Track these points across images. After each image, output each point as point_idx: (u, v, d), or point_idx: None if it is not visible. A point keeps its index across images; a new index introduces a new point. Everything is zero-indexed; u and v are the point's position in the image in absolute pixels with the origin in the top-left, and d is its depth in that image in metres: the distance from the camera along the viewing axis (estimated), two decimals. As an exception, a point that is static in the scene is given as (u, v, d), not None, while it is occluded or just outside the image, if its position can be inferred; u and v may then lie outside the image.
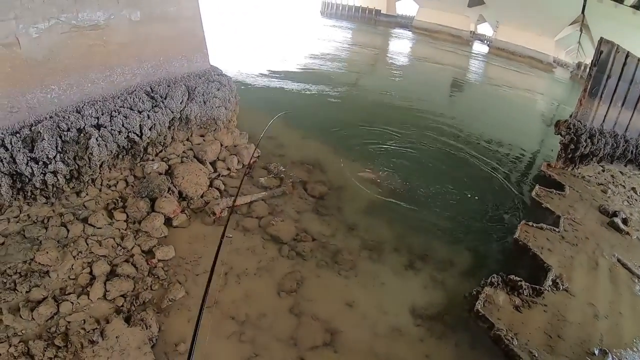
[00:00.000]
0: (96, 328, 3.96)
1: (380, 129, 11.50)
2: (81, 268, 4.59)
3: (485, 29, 55.83)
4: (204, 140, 7.68)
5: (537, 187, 8.47)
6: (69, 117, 5.29)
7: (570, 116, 9.89)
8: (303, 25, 38.25)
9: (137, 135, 6.10)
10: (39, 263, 4.41)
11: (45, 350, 3.64)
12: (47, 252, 4.45)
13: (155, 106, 6.47)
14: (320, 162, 8.69)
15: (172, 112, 6.72)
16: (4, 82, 4.71)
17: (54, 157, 5.01)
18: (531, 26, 38.90)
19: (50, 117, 5.18)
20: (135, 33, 6.36)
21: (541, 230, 6.78)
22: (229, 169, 7.41)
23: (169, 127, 6.79)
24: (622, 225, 7.60)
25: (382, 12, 55.15)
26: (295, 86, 14.79)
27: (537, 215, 7.56)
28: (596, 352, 4.67)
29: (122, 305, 4.34)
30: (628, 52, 9.78)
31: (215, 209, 6.09)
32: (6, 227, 4.73)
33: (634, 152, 11.39)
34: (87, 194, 5.63)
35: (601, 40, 9.43)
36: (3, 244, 4.54)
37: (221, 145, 7.76)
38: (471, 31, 50.85)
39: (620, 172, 11.09)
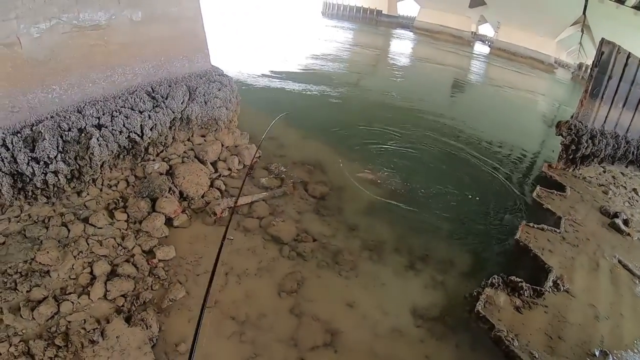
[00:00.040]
0: (96, 328, 3.96)
1: (381, 130, 11.51)
2: (82, 268, 4.59)
3: (486, 30, 55.86)
4: (205, 141, 7.68)
5: (538, 188, 8.46)
6: (70, 117, 5.29)
7: (572, 117, 9.89)
8: (304, 26, 38.26)
9: (138, 135, 6.10)
10: (40, 263, 4.41)
11: (45, 350, 3.64)
12: (48, 252, 4.46)
13: (157, 106, 6.47)
14: (321, 162, 8.69)
15: (173, 112, 6.72)
16: (5, 82, 4.72)
17: (55, 157, 5.01)
18: (532, 27, 38.88)
19: (52, 117, 5.18)
20: (136, 33, 6.36)
21: (542, 231, 6.77)
22: (229, 169, 7.42)
23: (170, 127, 6.79)
24: (623, 227, 7.59)
25: (383, 12, 55.14)
26: (297, 86, 14.79)
27: (538, 216, 7.56)
28: (597, 353, 4.66)
29: (123, 305, 4.34)
30: (629, 52, 9.77)
31: (216, 209, 6.09)
32: (7, 227, 4.74)
33: (635, 153, 11.38)
34: (88, 194, 5.63)
35: (602, 41, 9.42)
36: (4, 243, 4.54)
37: (222, 145, 7.76)
38: (472, 32, 50.84)
39: (622, 173, 11.08)
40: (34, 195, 5.06)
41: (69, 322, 3.98)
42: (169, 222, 5.78)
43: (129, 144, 6.03)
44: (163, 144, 6.79)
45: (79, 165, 5.30)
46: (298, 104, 13.03)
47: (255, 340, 4.36)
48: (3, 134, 4.71)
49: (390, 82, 19.74)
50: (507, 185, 9.61)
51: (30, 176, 4.87)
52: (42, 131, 4.89)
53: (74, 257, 4.65)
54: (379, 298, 5.30)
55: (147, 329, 4.07)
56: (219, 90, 7.76)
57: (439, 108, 15.68)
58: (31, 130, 4.91)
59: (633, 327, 5.28)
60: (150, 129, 6.28)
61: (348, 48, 28.44)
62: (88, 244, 4.88)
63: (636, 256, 6.88)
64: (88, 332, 3.90)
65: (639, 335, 5.16)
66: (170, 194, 6.06)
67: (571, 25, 35.62)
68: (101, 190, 5.81)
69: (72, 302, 4.16)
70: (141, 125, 6.12)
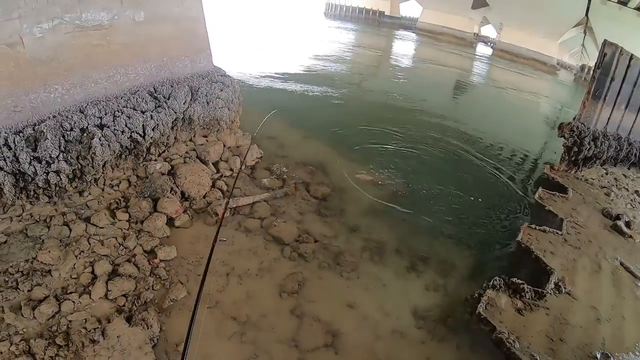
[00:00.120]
0: (97, 327, 3.97)
1: (383, 131, 11.51)
2: (83, 267, 4.60)
3: (489, 31, 55.76)
4: (206, 141, 7.68)
5: (540, 189, 8.45)
6: (72, 116, 5.30)
7: (574, 119, 9.86)
8: (306, 26, 38.28)
9: (140, 135, 6.11)
10: (41, 262, 4.42)
11: (46, 349, 3.64)
12: (50, 251, 4.47)
13: (159, 106, 6.48)
14: (323, 163, 8.69)
15: (175, 112, 6.73)
16: (7, 82, 4.73)
17: (57, 157, 5.02)
18: (535, 28, 38.78)
19: (54, 116, 5.19)
20: (138, 33, 6.37)
21: (544, 233, 6.75)
22: (231, 169, 7.41)
23: (172, 128, 6.80)
24: (625, 229, 7.58)
25: (385, 13, 55.03)
26: (299, 87, 14.79)
27: (540, 218, 7.54)
28: (598, 355, 4.65)
29: (124, 305, 4.35)
30: (632, 54, 9.75)
31: (218, 210, 6.09)
32: (9, 226, 4.75)
33: (637, 154, 11.36)
34: (89, 194, 5.64)
35: (605, 42, 9.40)
36: (6, 242, 4.55)
37: (224, 145, 7.76)
38: (475, 33, 50.70)
39: (624, 175, 11.06)
40: (35, 195, 5.07)
41: (70, 321, 3.98)
42: (170, 222, 5.79)
43: (131, 144, 6.03)
44: (165, 144, 6.80)
45: (80, 164, 5.31)
46: (300, 104, 13.04)
47: (256, 340, 4.36)
48: (5, 133, 4.72)
49: (392, 83, 19.73)
50: (509, 187, 9.59)
51: (32, 175, 4.88)
52: (44, 131, 4.90)
53: (76, 256, 4.66)
54: (379, 299, 5.30)
55: (147, 328, 4.08)
56: (221, 90, 7.77)
57: (441, 109, 15.67)
58: (33, 129, 4.92)
59: (634, 329, 5.27)
60: (152, 129, 6.28)
61: (350, 49, 28.44)
62: (89, 244, 4.89)
63: (638, 258, 6.86)
64: (89, 331, 3.91)
65: (640, 337, 5.14)
66: (172, 194, 6.06)
67: (574, 26, 35.54)
68: (103, 190, 5.82)
69: (73, 302, 4.17)
70: (143, 125, 6.13)
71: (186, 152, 7.20)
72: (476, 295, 5.32)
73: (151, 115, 6.26)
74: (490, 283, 5.37)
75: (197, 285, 4.80)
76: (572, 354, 4.59)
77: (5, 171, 4.69)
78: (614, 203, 8.96)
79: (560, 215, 7.50)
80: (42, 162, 4.92)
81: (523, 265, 6.14)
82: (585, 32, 36.30)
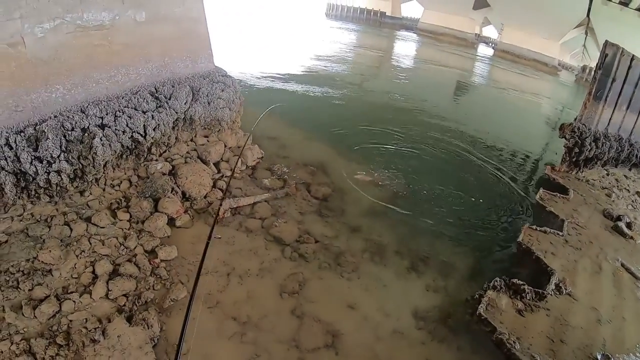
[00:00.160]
0: (98, 327, 3.97)
1: (384, 131, 11.51)
2: (84, 267, 4.60)
3: (490, 32, 55.80)
4: (207, 141, 7.69)
5: (541, 190, 8.45)
6: (73, 116, 5.30)
7: (575, 119, 9.86)
8: (308, 27, 38.29)
9: (141, 135, 6.11)
10: (42, 262, 4.42)
11: (46, 349, 3.64)
12: (50, 251, 4.47)
13: (160, 106, 6.48)
14: (324, 163, 8.69)
15: (176, 112, 6.74)
16: (9, 81, 4.73)
17: (58, 157, 5.02)
18: (536, 29, 38.77)
19: (55, 116, 5.20)
20: (140, 33, 6.38)
21: (545, 233, 6.75)
22: (232, 169, 7.41)
23: (173, 128, 6.80)
24: (626, 230, 7.57)
25: (387, 14, 55.04)
26: (300, 87, 14.80)
27: (541, 219, 7.54)
28: (599, 357, 4.64)
29: (124, 305, 4.35)
30: (633, 55, 9.75)
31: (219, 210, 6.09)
32: (10, 226, 4.76)
33: (638, 155, 11.35)
34: (90, 194, 5.64)
35: (606, 43, 9.40)
36: (7, 242, 4.55)
37: (225, 146, 7.77)
38: (476, 34, 50.72)
39: (625, 176, 11.05)
40: (36, 194, 5.08)
41: (71, 321, 3.98)
42: (171, 222, 5.79)
43: (132, 144, 6.04)
44: (166, 144, 6.80)
45: (82, 164, 5.31)
46: (301, 105, 13.06)
47: (257, 341, 4.35)
48: (7, 133, 4.73)
49: (393, 84, 19.73)
50: (510, 188, 9.58)
51: (33, 175, 4.88)
52: (45, 130, 4.91)
53: (76, 256, 4.67)
54: (380, 300, 5.29)
55: (148, 328, 4.08)
56: (222, 90, 7.78)
57: (442, 110, 15.68)
58: (34, 129, 4.93)
59: (635, 330, 5.26)
60: (153, 129, 6.29)
61: (351, 49, 28.45)
62: (90, 244, 4.89)
63: (639, 259, 6.85)
64: (89, 331, 3.91)
65: (641, 339, 5.14)
66: (173, 194, 6.07)
67: (575, 27, 35.54)
68: (104, 190, 5.83)
69: (74, 301, 4.17)
70: (144, 125, 6.13)
71: (187, 152, 7.21)
72: (477, 296, 5.33)
73: (152, 115, 6.27)
74: (491, 284, 5.37)
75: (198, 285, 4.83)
76: (573, 355, 4.59)
77: (6, 171, 4.70)
78: (615, 204, 8.96)
79: (561, 216, 7.50)
80: (43, 162, 4.93)
81: (524, 266, 6.14)
82: (586, 33, 36.32)
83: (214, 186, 6.77)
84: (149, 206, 5.73)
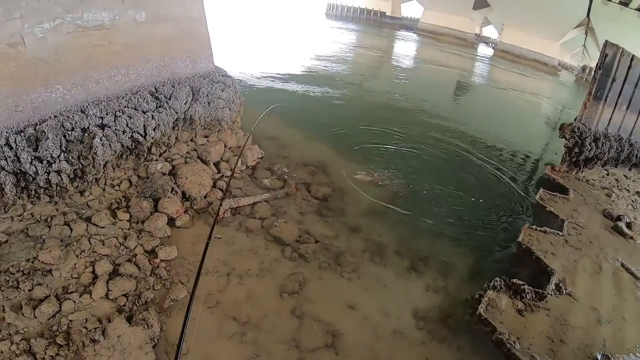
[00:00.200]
0: (98, 327, 3.97)
1: (384, 131, 11.51)
2: (84, 267, 4.60)
3: (490, 32, 55.80)
4: (207, 141, 7.69)
5: (541, 190, 8.44)
6: (73, 116, 5.30)
7: (575, 119, 9.86)
8: (308, 27, 38.29)
9: (141, 135, 6.12)
10: (42, 262, 4.42)
11: (46, 349, 3.64)
12: (50, 251, 4.47)
13: (160, 107, 6.48)
14: (324, 163, 8.69)
15: (176, 112, 6.74)
16: (9, 81, 4.73)
17: (58, 156, 5.02)
18: (536, 29, 38.78)
19: (55, 116, 5.20)
20: (140, 33, 6.38)
21: (545, 233, 6.75)
22: (232, 169, 7.41)
23: (173, 128, 6.80)
24: (626, 230, 7.57)
25: (387, 14, 55.04)
26: (300, 87, 14.80)
27: (541, 219, 7.54)
28: (599, 357, 4.64)
29: (124, 305, 4.35)
30: (633, 55, 9.74)
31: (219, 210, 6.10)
32: (10, 226, 4.76)
33: (638, 155, 11.35)
34: (90, 194, 5.64)
35: (606, 43, 9.40)
36: (7, 242, 4.55)
37: (225, 146, 7.77)
38: (476, 34, 50.73)
39: (625, 176, 11.05)
40: (36, 194, 5.08)
41: (71, 321, 3.98)
42: (171, 222, 5.79)
43: (132, 144, 6.04)
44: (166, 144, 6.80)
45: (82, 164, 5.32)
46: (301, 105, 13.06)
47: (257, 341, 4.35)
48: (7, 133, 4.73)
49: (393, 84, 19.73)
50: (510, 188, 9.58)
51: (33, 175, 4.88)
52: (45, 130, 4.91)
53: (76, 256, 4.67)
54: (380, 300, 5.29)
55: (148, 328, 4.08)
56: (222, 91, 7.78)
57: (442, 110, 15.68)
58: (34, 129, 4.93)
59: (635, 330, 5.26)
60: (154, 129, 6.29)
61: (351, 49, 28.45)
62: (90, 244, 4.89)
63: (639, 259, 6.85)
64: (89, 331, 3.91)
65: (641, 339, 5.14)
66: (173, 194, 6.07)
67: (575, 27, 35.55)
68: (104, 190, 5.83)
69: (74, 301, 4.17)
70: (144, 125, 6.14)
71: (187, 152, 7.21)
72: (477, 296, 5.33)
73: (152, 115, 6.27)
74: (491, 284, 5.37)
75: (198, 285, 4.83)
76: (573, 355, 4.59)
77: (6, 171, 4.70)
78: (615, 204, 8.96)
79: (561, 216, 7.50)
80: (43, 162, 4.93)
81: (524, 266, 6.14)
82: (586, 33, 36.33)
83: (214, 186, 6.77)
84: (149, 206, 5.73)
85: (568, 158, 9.92)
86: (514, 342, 4.49)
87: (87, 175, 5.46)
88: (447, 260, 6.36)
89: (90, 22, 5.53)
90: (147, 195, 5.90)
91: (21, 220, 4.88)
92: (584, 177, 10.06)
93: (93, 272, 4.58)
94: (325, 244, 6.16)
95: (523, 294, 5.26)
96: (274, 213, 6.59)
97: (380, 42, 37.60)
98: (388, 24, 53.32)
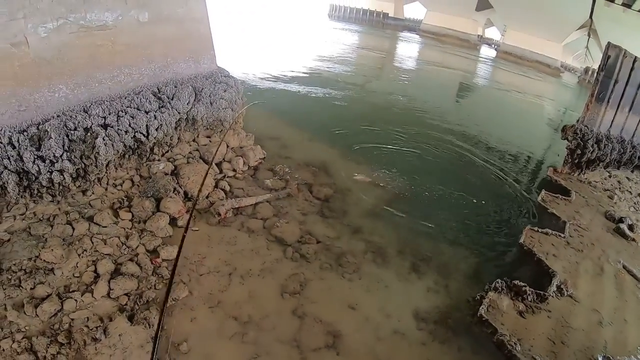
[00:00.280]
0: (99, 326, 3.98)
1: (387, 132, 11.50)
2: (86, 266, 4.61)
3: (492, 33, 55.81)
4: (210, 142, 7.70)
5: (543, 192, 8.43)
6: (76, 116, 5.32)
7: (577, 121, 9.84)
8: (310, 28, 38.33)
9: (144, 135, 6.14)
10: (44, 260, 4.44)
11: (48, 347, 3.66)
12: (52, 250, 4.49)
13: (162, 107, 6.50)
14: (326, 164, 8.69)
15: (179, 112, 6.76)
16: (12, 81, 4.76)
17: (61, 156, 5.04)
18: (539, 30, 38.77)
19: (58, 116, 5.22)
20: (142, 34, 6.40)
21: (546, 235, 6.74)
22: (234, 170, 7.43)
23: (176, 128, 6.83)
24: (628, 232, 7.55)
25: (389, 15, 55.09)
26: (302, 88, 14.82)
27: (543, 221, 7.53)
28: (600, 359, 4.63)
29: (126, 304, 4.36)
30: (636, 56, 9.72)
31: (220, 210, 6.11)
32: (12, 225, 4.78)
33: (641, 158, 11.31)
34: (93, 193, 5.67)
35: (609, 44, 9.38)
36: (9, 240, 4.58)
37: (227, 146, 7.78)
38: (479, 35, 50.78)
39: (627, 178, 11.02)
40: (39, 194, 5.10)
41: (72, 319, 4.00)
42: (173, 222, 5.80)
43: (134, 144, 6.06)
44: (168, 144, 6.82)
45: (84, 164, 5.34)
46: (303, 105, 13.07)
47: (257, 341, 4.36)
48: (10, 132, 4.75)
49: (396, 85, 19.73)
50: (512, 189, 9.57)
51: (35, 174, 4.90)
52: (48, 130, 4.93)
53: (78, 255, 4.68)
54: (381, 301, 5.29)
55: (149, 327, 4.09)
56: (225, 91, 7.80)
57: (445, 111, 15.67)
58: (37, 128, 4.95)
59: (637, 333, 5.25)
60: (156, 129, 6.31)
61: (354, 50, 28.48)
62: (92, 243, 4.91)
63: (641, 262, 6.84)
64: (91, 330, 3.92)
65: (643, 341, 5.12)
66: (175, 194, 6.08)
67: (577, 29, 35.52)
68: (106, 189, 5.85)
69: (76, 300, 4.18)
70: (147, 125, 6.16)
71: (189, 153, 7.23)
72: (478, 297, 5.32)
73: (155, 115, 6.29)
74: (492, 285, 5.36)
75: (200, 285, 4.86)
76: (574, 356, 4.58)
77: (9, 170, 4.72)
78: (617, 206, 8.94)
79: (563, 217, 7.48)
80: (46, 161, 4.95)
81: (525, 268, 6.13)
82: (589, 35, 36.30)
83: (216, 186, 6.78)
84: (151, 206, 5.74)
85: (570, 160, 9.90)
86: (515, 343, 4.49)
87: (89, 175, 5.48)
88: (448, 261, 6.35)
89: (93, 22, 5.56)
90: (149, 195, 5.92)
91: (23, 219, 4.90)
92: (586, 178, 10.04)
93: (95, 271, 4.59)
94: (327, 244, 6.16)
95: (524, 296, 5.25)
96: (275, 213, 6.60)
97: (383, 43, 37.62)
98: (391, 25, 53.36)
